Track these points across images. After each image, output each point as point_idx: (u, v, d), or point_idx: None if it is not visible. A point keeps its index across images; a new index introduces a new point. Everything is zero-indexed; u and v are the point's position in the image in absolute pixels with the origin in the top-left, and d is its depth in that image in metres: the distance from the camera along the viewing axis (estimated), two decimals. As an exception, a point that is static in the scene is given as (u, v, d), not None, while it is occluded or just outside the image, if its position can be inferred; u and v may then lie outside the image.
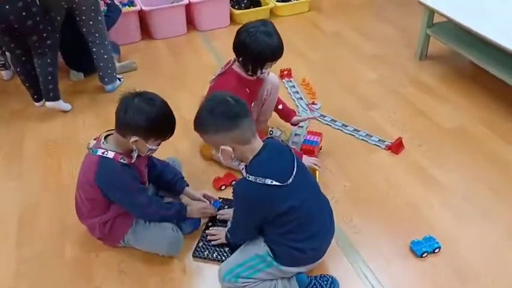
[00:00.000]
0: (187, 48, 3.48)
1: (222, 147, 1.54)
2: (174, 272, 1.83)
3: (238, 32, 2.04)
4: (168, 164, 2.07)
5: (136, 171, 1.78)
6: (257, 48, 1.97)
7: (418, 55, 3.18)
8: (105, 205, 1.81)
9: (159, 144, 1.76)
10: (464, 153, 2.36)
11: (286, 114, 2.39)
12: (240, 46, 2.02)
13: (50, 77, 2.68)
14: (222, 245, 1.88)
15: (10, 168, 2.41)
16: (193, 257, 1.87)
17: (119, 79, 3.04)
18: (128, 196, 1.76)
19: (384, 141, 2.42)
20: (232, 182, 2.19)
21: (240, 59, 2.07)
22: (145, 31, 3.65)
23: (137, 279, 1.81)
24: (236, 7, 3.87)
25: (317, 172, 2.12)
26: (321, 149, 2.38)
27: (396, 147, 2.36)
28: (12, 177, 2.36)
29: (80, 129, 2.65)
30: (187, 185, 2.06)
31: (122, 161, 1.70)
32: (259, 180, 1.50)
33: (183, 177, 2.08)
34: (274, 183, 1.50)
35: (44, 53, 2.63)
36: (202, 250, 1.88)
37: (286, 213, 1.55)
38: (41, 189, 2.25)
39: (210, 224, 1.99)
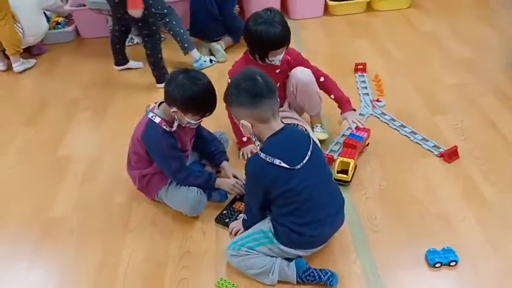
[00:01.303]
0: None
1: (242, 121, 1.65)
2: (195, 231, 2.00)
3: (246, 20, 2.12)
4: (215, 137, 2.24)
5: (177, 140, 1.97)
6: (258, 37, 2.05)
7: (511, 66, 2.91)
8: (147, 161, 2.04)
9: (198, 120, 1.92)
10: (526, 174, 2.15)
11: (340, 104, 2.34)
12: (246, 34, 2.11)
13: None
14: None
15: (94, 122, 2.80)
16: (215, 221, 2.03)
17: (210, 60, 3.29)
18: (162, 159, 1.97)
19: (439, 148, 2.31)
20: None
21: (248, 46, 2.15)
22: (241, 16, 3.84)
23: (164, 232, 2.02)
24: (333, -2, 3.87)
25: (351, 163, 2.12)
26: (367, 145, 2.35)
27: (449, 155, 2.23)
28: (93, 128, 2.75)
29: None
30: (227, 160, 2.21)
31: (164, 127, 1.91)
32: (269, 159, 1.59)
33: (225, 152, 2.23)
34: (283, 164, 1.58)
35: None
36: (224, 217, 2.03)
37: (285, 193, 1.61)
38: (112, 142, 2.58)
39: (238, 197, 2.12)
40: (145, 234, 2.02)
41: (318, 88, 2.32)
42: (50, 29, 3.70)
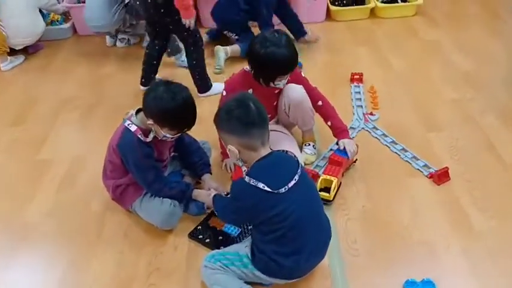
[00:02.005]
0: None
1: (230, 146, 1.60)
2: (167, 246, 1.93)
3: (252, 42, 2.02)
4: (199, 146, 2.16)
5: (154, 150, 1.90)
6: (268, 60, 1.95)
7: (517, 82, 2.78)
8: (122, 170, 1.97)
9: (175, 134, 1.85)
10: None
11: (336, 133, 2.23)
12: (252, 57, 2.01)
13: None
14: (217, 234, 1.93)
15: (81, 124, 2.75)
16: (188, 237, 1.95)
17: None
18: (137, 169, 1.90)
19: (429, 168, 2.20)
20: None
21: (252, 69, 2.04)
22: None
23: (135, 245, 1.95)
24: (336, 3, 3.76)
25: (334, 182, 2.02)
26: (355, 161, 2.25)
27: (439, 176, 2.12)
28: (79, 130, 2.69)
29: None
30: (209, 173, 2.13)
31: (139, 136, 1.84)
32: (253, 182, 1.54)
33: (209, 164, 2.16)
34: (266, 188, 1.52)
35: None
36: (198, 233, 1.95)
37: (270, 220, 1.55)
38: (95, 145, 2.51)
39: (215, 213, 2.03)
40: (117, 246, 1.95)
41: (310, 104, 2.22)
42: (46, 25, 3.66)
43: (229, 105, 1.61)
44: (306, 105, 2.19)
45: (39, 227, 2.07)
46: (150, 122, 1.80)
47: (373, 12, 3.74)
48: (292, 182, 1.56)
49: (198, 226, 1.99)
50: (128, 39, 3.58)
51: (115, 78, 3.19)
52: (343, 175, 2.17)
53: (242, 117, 1.56)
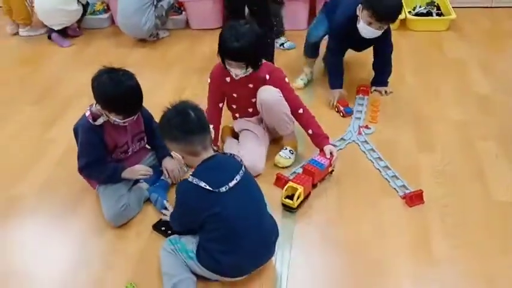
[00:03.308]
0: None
1: (173, 153, 1.69)
2: (130, 231, 2.04)
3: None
4: None
5: (104, 135, 2.00)
6: (220, 44, 2.05)
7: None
8: None
9: (124, 119, 1.94)
10: (493, 238, 1.89)
11: (317, 142, 2.23)
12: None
13: None
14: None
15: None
16: (152, 227, 2.03)
17: None
18: (80, 151, 2.05)
19: (407, 189, 2.13)
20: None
21: None
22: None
23: (100, 227, 2.06)
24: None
25: (299, 190, 2.01)
26: (331, 173, 2.23)
27: (411, 198, 2.05)
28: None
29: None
30: (169, 156, 2.17)
31: (90, 121, 1.95)
32: (195, 182, 1.61)
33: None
34: (207, 187, 1.59)
35: None
36: (161, 225, 2.02)
37: (211, 217, 1.62)
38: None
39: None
40: (87, 223, 2.09)
41: (287, 109, 2.22)
42: (89, 14, 3.93)
43: (169, 114, 1.67)
44: (278, 109, 2.19)
45: (26, 198, 2.26)
46: (99, 107, 1.93)
47: (403, 23, 3.63)
48: (233, 182, 1.62)
49: (161, 219, 2.06)
50: (157, 33, 3.74)
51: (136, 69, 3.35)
52: (316, 185, 2.16)
53: (181, 125, 1.63)
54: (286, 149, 2.33)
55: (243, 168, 1.68)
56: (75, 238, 2.04)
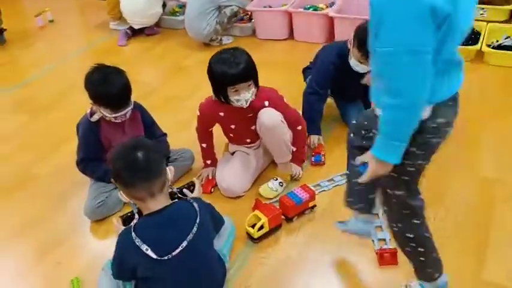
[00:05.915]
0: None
1: (119, 193, 1.60)
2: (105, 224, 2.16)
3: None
4: (161, 140, 2.28)
5: (99, 132, 2.12)
6: (213, 75, 1.99)
7: None
8: None
9: (114, 114, 2.03)
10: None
11: (293, 158, 2.25)
12: (208, 72, 2.04)
13: None
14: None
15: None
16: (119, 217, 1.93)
17: None
18: (78, 147, 2.19)
19: (385, 244, 1.89)
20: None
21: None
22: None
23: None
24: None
25: (262, 221, 1.92)
26: (313, 208, 2.08)
27: (382, 257, 1.82)
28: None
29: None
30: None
31: (88, 117, 2.10)
32: (137, 242, 1.47)
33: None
34: (149, 252, 1.46)
35: None
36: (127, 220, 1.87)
37: (148, 280, 1.52)
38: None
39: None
40: (74, 207, 2.23)
41: (287, 135, 2.15)
42: (167, 14, 4.19)
43: (117, 153, 1.55)
44: (278, 134, 2.11)
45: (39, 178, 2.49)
46: (91, 102, 2.06)
47: (479, 54, 3.20)
48: (178, 249, 1.48)
49: (128, 212, 1.83)
50: (221, 38, 3.83)
51: (186, 71, 3.49)
52: (292, 219, 2.04)
53: (125, 167, 1.49)
54: (276, 179, 2.24)
55: (197, 220, 1.53)
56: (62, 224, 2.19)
